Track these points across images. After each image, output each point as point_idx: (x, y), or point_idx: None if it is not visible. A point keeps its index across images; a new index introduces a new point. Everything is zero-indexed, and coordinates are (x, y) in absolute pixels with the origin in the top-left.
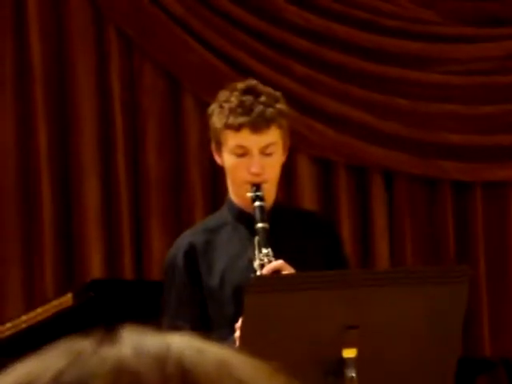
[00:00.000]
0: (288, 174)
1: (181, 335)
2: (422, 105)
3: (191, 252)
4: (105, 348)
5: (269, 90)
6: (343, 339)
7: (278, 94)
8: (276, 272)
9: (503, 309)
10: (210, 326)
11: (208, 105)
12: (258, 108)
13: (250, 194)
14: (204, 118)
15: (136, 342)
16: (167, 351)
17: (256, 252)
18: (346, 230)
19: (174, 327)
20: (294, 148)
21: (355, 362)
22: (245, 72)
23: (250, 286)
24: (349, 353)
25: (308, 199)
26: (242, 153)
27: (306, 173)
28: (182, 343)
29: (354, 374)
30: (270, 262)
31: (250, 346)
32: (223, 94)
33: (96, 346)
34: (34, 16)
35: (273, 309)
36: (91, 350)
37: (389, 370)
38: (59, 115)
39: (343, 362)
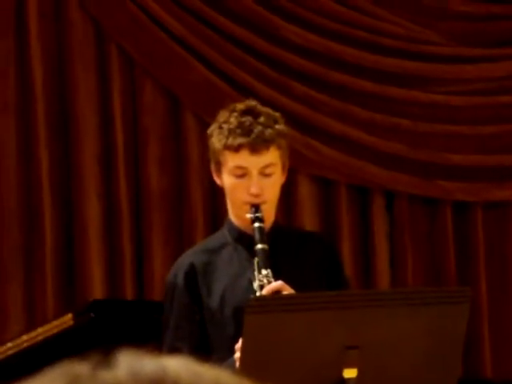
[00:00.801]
0: (288, 193)
1: (178, 358)
2: (422, 125)
3: (191, 272)
4: (102, 372)
5: (268, 110)
6: (344, 359)
7: (277, 114)
8: (276, 293)
9: (504, 330)
10: (210, 346)
11: (208, 123)
12: (257, 129)
13: (249, 215)
14: (204, 137)
15: (132, 366)
16: (164, 375)
17: (256, 273)
18: (347, 250)
19: (174, 347)
20: (294, 167)
21: (356, 382)
22: (245, 91)
23: (249, 306)
24: (349, 373)
25: (308, 219)
26: (241, 173)
27: (306, 192)
28: (178, 367)
29: None
30: (269, 282)
31: (249, 366)
32: (222, 115)
33: (93, 370)
34: (35, 35)
35: (273, 329)
36: (88, 373)
37: None
38: (60, 133)
39: (344, 383)
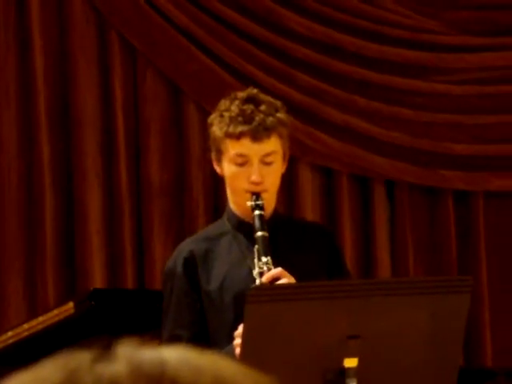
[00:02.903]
0: (290, 182)
1: (178, 351)
2: (424, 114)
3: (191, 260)
4: (100, 365)
5: (269, 99)
6: (344, 349)
7: (278, 103)
8: (275, 280)
9: (505, 319)
10: (209, 333)
11: (210, 113)
12: (259, 117)
13: (249, 203)
14: (206, 126)
15: (131, 360)
16: (162, 371)
17: (255, 260)
18: (348, 239)
19: (174, 335)
20: (296, 157)
21: (356, 371)
22: (247, 81)
23: (250, 295)
24: (350, 362)
25: (310, 208)
26: (242, 161)
27: (307, 182)
28: (178, 362)
29: None
30: (269, 270)
31: (250, 355)
32: (224, 103)
33: (92, 363)
34: (37, 24)
35: (274, 318)
36: (87, 366)
37: (390, 380)
38: (62, 123)
39: (344, 372)
